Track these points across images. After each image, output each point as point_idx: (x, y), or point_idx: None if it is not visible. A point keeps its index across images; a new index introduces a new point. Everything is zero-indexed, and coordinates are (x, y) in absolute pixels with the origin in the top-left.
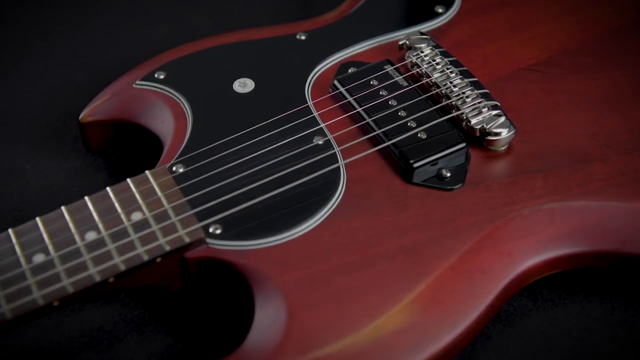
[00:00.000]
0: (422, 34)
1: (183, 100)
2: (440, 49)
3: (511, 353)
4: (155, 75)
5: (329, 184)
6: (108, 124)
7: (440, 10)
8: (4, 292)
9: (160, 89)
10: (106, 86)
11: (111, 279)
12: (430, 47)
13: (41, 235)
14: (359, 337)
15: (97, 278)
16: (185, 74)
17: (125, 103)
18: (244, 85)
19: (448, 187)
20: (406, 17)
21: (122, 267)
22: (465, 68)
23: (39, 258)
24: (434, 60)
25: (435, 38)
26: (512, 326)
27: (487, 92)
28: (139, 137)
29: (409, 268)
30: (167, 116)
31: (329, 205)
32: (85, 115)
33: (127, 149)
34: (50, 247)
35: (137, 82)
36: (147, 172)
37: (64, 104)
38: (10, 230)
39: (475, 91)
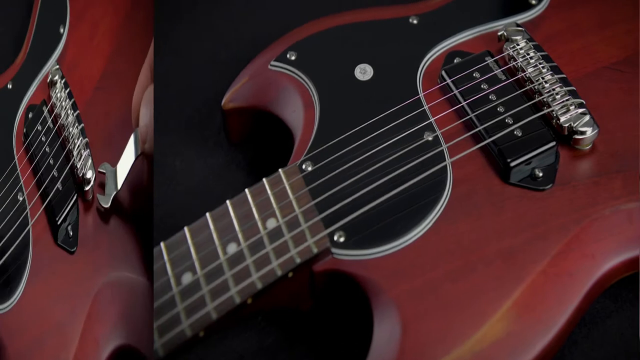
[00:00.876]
0: (518, 25)
1: (311, 86)
2: (534, 43)
3: (594, 356)
4: (287, 56)
5: (437, 185)
6: (248, 112)
7: (533, 2)
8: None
9: (292, 71)
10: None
11: (249, 300)
12: (525, 40)
13: (189, 248)
14: (463, 351)
15: (237, 300)
16: (314, 56)
17: (262, 88)
18: (364, 72)
19: (541, 187)
20: (503, 7)
21: (259, 285)
22: (555, 64)
23: (186, 278)
24: (528, 54)
25: (529, 31)
26: (596, 329)
27: (574, 90)
28: (275, 129)
29: (506, 273)
30: (298, 105)
31: (437, 208)
32: (226, 101)
33: (264, 142)
34: (196, 264)
35: (272, 62)
36: (280, 171)
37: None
38: (162, 244)
39: (564, 88)
